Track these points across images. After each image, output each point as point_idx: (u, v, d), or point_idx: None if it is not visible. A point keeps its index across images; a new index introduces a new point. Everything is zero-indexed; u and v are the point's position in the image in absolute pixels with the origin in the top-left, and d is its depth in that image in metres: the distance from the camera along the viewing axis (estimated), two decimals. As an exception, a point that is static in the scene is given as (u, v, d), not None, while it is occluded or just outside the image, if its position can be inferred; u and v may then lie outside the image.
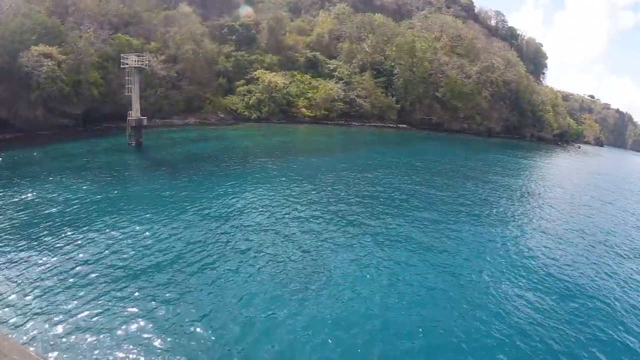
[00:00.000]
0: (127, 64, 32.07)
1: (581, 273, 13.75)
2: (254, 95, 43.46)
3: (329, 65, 48.63)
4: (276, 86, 43.73)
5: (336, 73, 47.98)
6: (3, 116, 37.75)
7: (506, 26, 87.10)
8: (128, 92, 32.67)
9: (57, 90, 37.73)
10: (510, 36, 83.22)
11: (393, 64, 52.67)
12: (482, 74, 59.78)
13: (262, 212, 17.02)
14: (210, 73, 44.27)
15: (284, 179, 22.87)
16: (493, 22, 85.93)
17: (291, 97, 44.16)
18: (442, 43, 59.17)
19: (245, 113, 42.95)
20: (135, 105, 32.39)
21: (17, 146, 33.74)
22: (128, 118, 32.16)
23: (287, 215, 16.85)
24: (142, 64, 33.76)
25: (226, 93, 44.14)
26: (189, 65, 43.81)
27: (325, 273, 12.11)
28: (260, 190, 20.34)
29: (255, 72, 44.79)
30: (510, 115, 63.87)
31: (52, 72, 37.89)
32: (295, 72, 46.41)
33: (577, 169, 43.44)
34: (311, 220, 16.43)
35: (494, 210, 20.53)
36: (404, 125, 49.31)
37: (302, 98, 44.55)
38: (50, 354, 8.09)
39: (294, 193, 20.14)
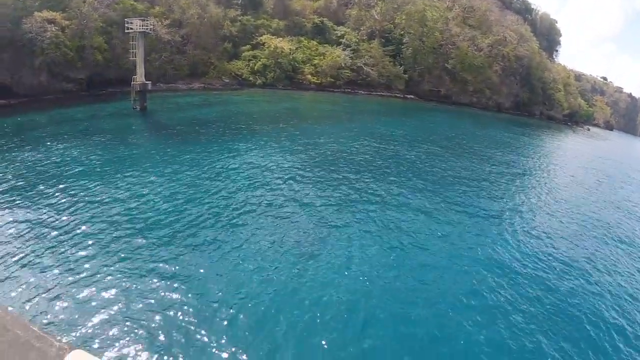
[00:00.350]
0: (131, 28, 31.63)
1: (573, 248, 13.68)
2: (260, 60, 42.69)
3: (336, 32, 47.51)
4: (282, 52, 42.87)
5: (343, 40, 46.88)
6: (7, 82, 37.50)
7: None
8: (132, 57, 32.38)
9: (61, 55, 37.29)
10: (524, 10, 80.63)
11: (402, 32, 51.36)
12: (493, 48, 58.16)
13: (265, 177, 16.93)
14: (216, 38, 43.42)
15: (287, 145, 22.69)
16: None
17: (297, 63, 43.34)
18: (453, 13, 57.47)
19: (250, 78, 42.30)
20: (140, 70, 32.05)
21: (21, 111, 33.64)
22: (132, 83, 31.95)
23: (289, 180, 16.77)
24: (147, 29, 33.22)
25: (231, 58, 43.40)
26: (194, 29, 42.96)
27: (327, 235, 12.04)
28: (263, 156, 20.20)
29: (261, 38, 43.88)
30: (520, 92, 62.45)
31: (55, 38, 37.35)
32: (302, 38, 45.42)
33: (585, 152, 42.42)
34: (313, 185, 16.36)
35: (497, 186, 20.25)
36: (412, 96, 48.41)
37: (308, 65, 43.72)
38: (58, 330, 7.64)
39: (296, 159, 20.03)
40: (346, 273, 10.14)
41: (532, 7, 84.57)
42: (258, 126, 27.62)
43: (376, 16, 51.10)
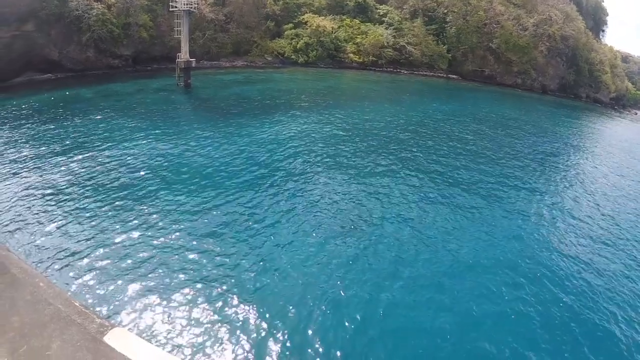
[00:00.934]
0: (176, 7, 32.05)
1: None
2: (302, 39, 42.34)
3: (378, 11, 46.49)
4: (324, 30, 42.35)
5: (386, 19, 45.85)
6: (54, 57, 38.85)
7: (565, -22, 79.95)
8: (177, 35, 32.81)
9: (107, 32, 38.24)
10: (569, -11, 76.40)
11: (446, 11, 49.75)
12: (539, 27, 55.55)
13: (306, 156, 16.72)
14: (259, 16, 43.29)
15: (329, 125, 22.49)
16: (551, -26, 78.94)
17: (339, 42, 42.76)
18: (498, -9, 55.04)
19: (293, 57, 42.07)
20: (184, 47, 32.44)
21: (68, 84, 34.86)
22: (177, 60, 32.50)
23: (330, 161, 16.54)
24: (191, 7, 33.54)
25: (274, 37, 43.23)
26: (237, 8, 42.95)
27: (369, 218, 11.71)
28: (304, 134, 20.08)
29: (304, 16, 43.44)
30: (566, 73, 59.66)
31: (102, 15, 38.31)
32: (344, 17, 44.69)
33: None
34: (355, 166, 16.01)
35: (540, 174, 18.93)
36: (455, 76, 47.10)
37: (350, 43, 43.06)
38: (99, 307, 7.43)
39: (337, 139, 19.81)
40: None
41: (578, -15, 79.97)
42: (300, 105, 27.64)
43: (419, -6, 49.73)
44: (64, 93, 30.98)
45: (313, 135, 19.68)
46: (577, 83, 61.44)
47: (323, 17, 43.59)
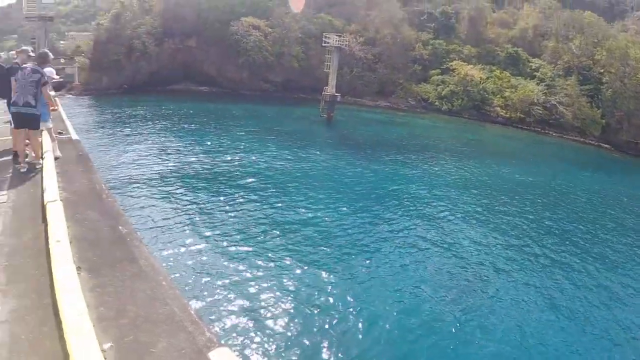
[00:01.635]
0: (328, 42, 33.70)
1: None
2: (448, 86, 41.69)
3: (530, 64, 44.17)
4: (472, 80, 41.26)
5: (538, 73, 43.38)
6: (212, 73, 43.38)
7: None
8: (326, 69, 34.33)
9: (262, 58, 41.46)
10: None
11: (602, 71, 45.72)
12: None
13: (439, 210, 15.91)
14: (406, 59, 43.70)
15: (465, 181, 21.22)
16: None
17: (487, 93, 41.28)
18: (665, 53, 49.39)
19: (436, 103, 41.55)
20: (331, 81, 33.73)
21: (221, 98, 39.05)
22: (323, 92, 33.93)
23: (465, 213, 15.80)
24: (342, 44, 34.98)
25: (419, 81, 43.22)
26: (387, 49, 43.86)
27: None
28: (439, 187, 19.30)
29: (452, 63, 42.85)
30: None
31: (258, 42, 41.66)
32: (494, 68, 43.17)
33: None
34: (485, 230, 14.61)
35: None
36: (607, 146, 42.70)
37: (498, 96, 41.33)
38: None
39: (471, 198, 18.42)
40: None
41: None
42: (438, 155, 26.82)
43: (574, 50, 46.31)
44: (218, 106, 34.22)
45: (448, 184, 19.21)
46: None
47: (472, 65, 42.56)
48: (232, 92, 42.58)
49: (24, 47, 7.77)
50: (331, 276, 9.62)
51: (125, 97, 35.60)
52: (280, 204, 13.86)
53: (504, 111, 40.71)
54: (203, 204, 12.93)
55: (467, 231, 14.11)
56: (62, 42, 53.38)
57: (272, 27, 44.08)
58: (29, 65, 6.27)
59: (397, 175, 20.51)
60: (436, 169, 22.56)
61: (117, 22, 41.92)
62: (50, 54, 6.94)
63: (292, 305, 8.33)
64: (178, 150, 18.87)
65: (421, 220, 14.50)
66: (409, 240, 12.63)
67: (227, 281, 8.87)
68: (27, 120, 6.05)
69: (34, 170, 6.12)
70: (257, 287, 8.81)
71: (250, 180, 15.77)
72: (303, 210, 13.65)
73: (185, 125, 24.92)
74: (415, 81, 42.86)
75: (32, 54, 7.49)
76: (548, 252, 13.25)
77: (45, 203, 4.18)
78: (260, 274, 9.35)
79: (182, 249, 9.91)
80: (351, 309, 8.50)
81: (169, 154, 18.13)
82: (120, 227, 3.94)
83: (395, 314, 8.60)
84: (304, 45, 44.44)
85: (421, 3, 48.34)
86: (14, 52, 9.59)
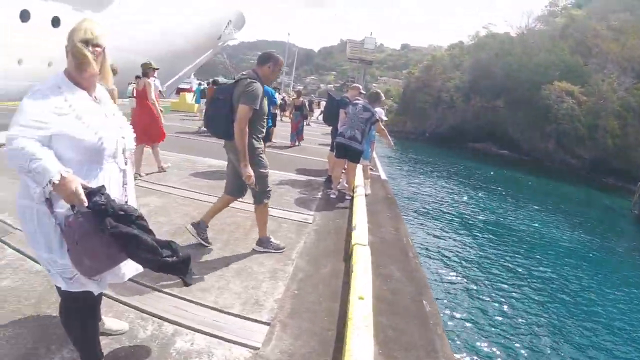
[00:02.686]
0: None
1: None
2: None
3: None
4: None
5: None
6: (515, 137, 41.30)
7: None
8: None
9: (572, 129, 37.09)
10: None
11: None
12: None
13: None
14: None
15: None
16: None
17: None
18: None
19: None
20: None
21: (522, 168, 36.04)
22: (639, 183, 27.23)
23: None
24: None
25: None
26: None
27: None
28: None
29: None
30: None
31: (571, 110, 37.38)
32: None
33: None
34: None
35: None
36: None
37: None
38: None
39: None
40: None
41: None
42: None
43: None
44: (517, 175, 33.10)
45: None
46: None
47: None
48: (534, 160, 39.23)
49: (355, 84, 8.18)
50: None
51: (426, 144, 40.18)
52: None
53: None
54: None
55: None
56: (374, 84, 64.94)
57: (586, 95, 39.71)
58: (360, 102, 6.34)
59: None
60: None
61: (427, 73, 46.99)
62: (382, 95, 6.84)
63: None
64: (473, 214, 18.82)
65: None
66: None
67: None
68: (349, 153, 6.10)
69: (342, 200, 6.24)
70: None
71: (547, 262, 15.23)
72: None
73: (481, 185, 25.80)
74: None
75: (363, 91, 7.80)
76: None
77: (353, 243, 3.96)
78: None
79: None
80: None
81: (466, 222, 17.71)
82: (424, 302, 3.33)
83: None
84: (621, 120, 38.13)
85: None
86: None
